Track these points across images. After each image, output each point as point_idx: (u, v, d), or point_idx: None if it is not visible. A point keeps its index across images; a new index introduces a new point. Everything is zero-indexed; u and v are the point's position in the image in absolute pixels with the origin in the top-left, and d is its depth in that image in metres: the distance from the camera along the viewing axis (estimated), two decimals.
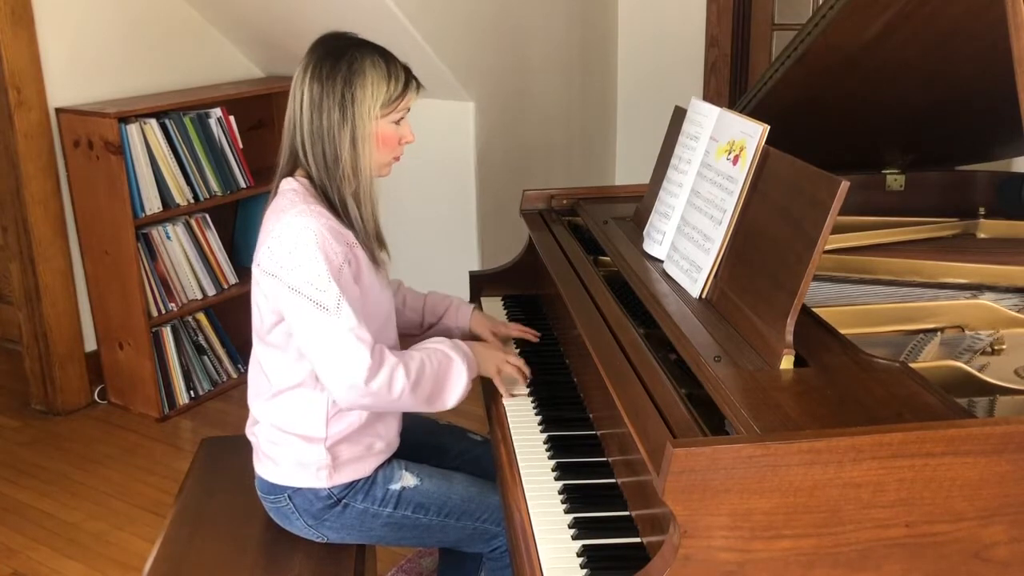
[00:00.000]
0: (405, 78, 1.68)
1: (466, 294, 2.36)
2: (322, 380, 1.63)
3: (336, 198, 1.65)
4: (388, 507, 1.72)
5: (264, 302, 1.66)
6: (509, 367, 1.81)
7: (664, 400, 1.35)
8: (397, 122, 1.68)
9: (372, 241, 1.69)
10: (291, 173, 1.71)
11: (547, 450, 1.61)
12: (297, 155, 1.68)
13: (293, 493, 1.71)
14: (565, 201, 2.33)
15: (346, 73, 1.62)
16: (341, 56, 1.64)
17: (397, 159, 1.73)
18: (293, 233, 1.58)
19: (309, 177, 1.68)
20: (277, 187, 1.71)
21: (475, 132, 3.62)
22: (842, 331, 1.44)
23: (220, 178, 3.41)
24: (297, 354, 1.66)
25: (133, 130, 3.11)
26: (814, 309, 1.53)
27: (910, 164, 2.25)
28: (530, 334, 2.01)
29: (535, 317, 2.17)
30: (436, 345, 1.73)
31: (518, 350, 2.00)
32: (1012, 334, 1.58)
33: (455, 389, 1.71)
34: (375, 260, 1.70)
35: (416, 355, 1.68)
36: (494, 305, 2.27)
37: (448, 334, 1.99)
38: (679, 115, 1.88)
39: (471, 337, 1.98)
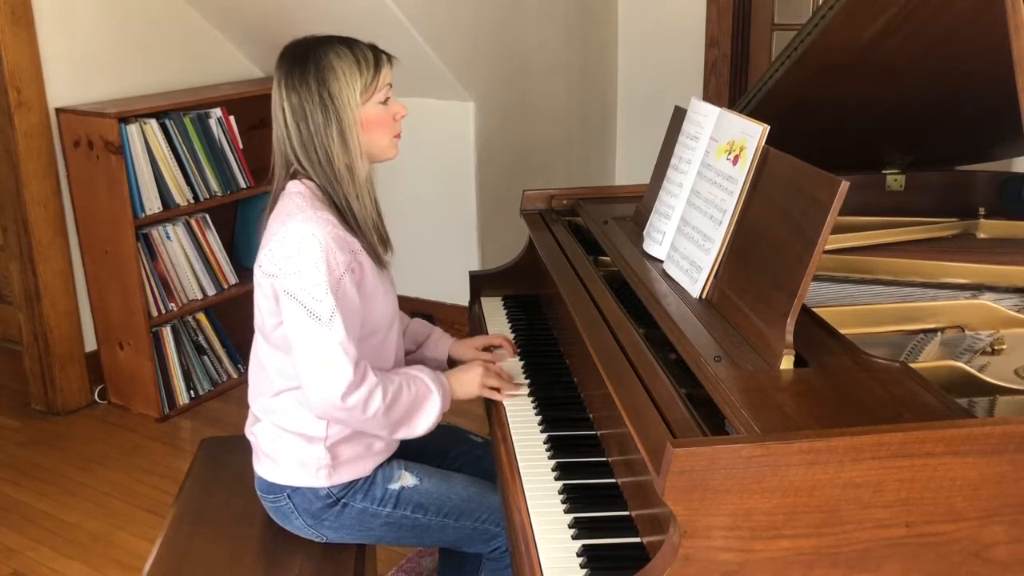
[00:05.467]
0: (374, 58, 1.67)
1: (466, 294, 2.36)
2: (302, 386, 1.63)
3: (341, 200, 1.66)
4: (387, 507, 1.72)
5: (266, 304, 1.67)
6: (487, 390, 1.79)
7: (664, 400, 1.35)
8: (384, 101, 1.68)
9: (376, 242, 1.70)
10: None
11: (547, 450, 1.61)
12: (292, 167, 1.68)
13: (292, 492, 1.72)
14: (565, 201, 2.33)
15: (316, 73, 1.62)
16: (306, 59, 1.63)
17: (398, 136, 1.73)
18: (297, 239, 1.58)
19: (313, 182, 1.68)
20: (277, 194, 1.70)
21: (475, 132, 3.62)
22: (842, 331, 1.44)
23: (220, 178, 3.41)
24: None
25: (133, 130, 3.11)
26: (814, 309, 1.53)
27: (910, 164, 2.25)
28: (509, 348, 1.99)
29: (535, 317, 2.17)
30: (417, 373, 1.72)
31: (519, 351, 2.00)
32: (1012, 334, 1.58)
33: (426, 420, 1.70)
34: (380, 262, 1.70)
35: (396, 379, 1.67)
36: (494, 305, 2.27)
37: (423, 363, 1.97)
38: (679, 115, 1.88)
39: (451, 367, 1.95)
